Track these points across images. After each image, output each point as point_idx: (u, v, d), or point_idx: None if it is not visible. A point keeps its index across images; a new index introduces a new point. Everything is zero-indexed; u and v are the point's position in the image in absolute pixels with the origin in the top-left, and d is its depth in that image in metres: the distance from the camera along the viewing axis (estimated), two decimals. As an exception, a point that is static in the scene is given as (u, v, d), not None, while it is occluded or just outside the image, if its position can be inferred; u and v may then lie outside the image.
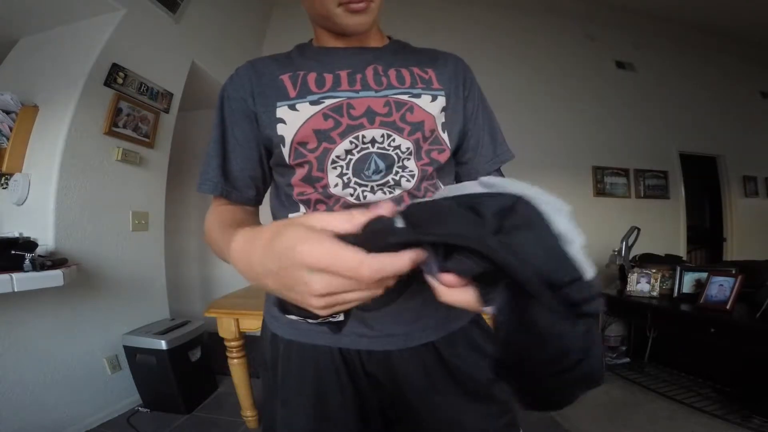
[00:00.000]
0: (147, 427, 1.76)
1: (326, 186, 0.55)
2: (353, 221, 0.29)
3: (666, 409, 1.91)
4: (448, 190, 0.27)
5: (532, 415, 1.89)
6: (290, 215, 0.59)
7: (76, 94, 1.75)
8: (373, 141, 0.54)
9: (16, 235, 1.56)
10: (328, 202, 0.56)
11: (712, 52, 4.23)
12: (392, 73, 0.57)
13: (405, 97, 0.56)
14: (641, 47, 4.01)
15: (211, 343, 2.07)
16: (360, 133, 0.53)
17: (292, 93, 0.55)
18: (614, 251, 2.74)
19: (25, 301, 1.52)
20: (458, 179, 0.68)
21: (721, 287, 1.94)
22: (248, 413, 1.76)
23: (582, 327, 0.26)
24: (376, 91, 0.55)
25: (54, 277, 1.42)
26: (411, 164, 0.56)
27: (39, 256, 1.47)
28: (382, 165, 0.54)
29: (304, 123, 0.54)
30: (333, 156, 0.54)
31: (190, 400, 1.93)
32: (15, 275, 1.33)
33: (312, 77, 0.56)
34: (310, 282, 0.28)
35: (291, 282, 0.29)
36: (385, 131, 0.54)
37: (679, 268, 2.27)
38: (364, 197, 0.55)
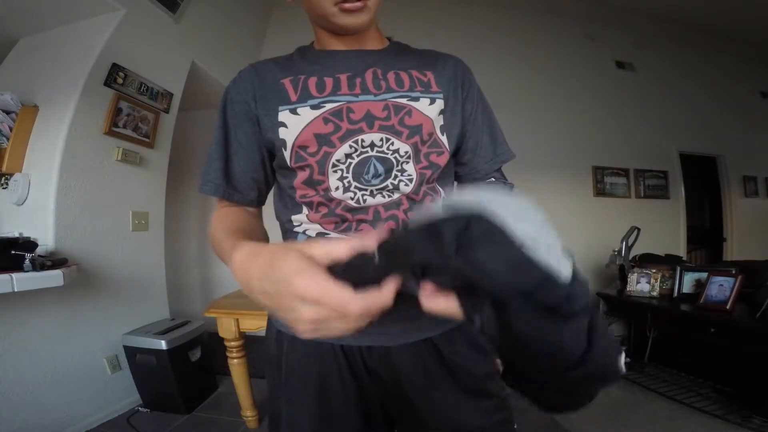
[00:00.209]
0: (147, 427, 1.76)
1: (327, 189, 0.56)
2: (351, 247, 0.31)
3: (666, 409, 1.91)
4: (416, 218, 0.29)
5: (532, 414, 1.89)
6: (293, 217, 0.61)
7: (76, 94, 1.75)
8: (372, 145, 0.55)
9: (16, 235, 1.56)
10: (329, 204, 0.57)
11: (712, 52, 4.23)
12: (391, 76, 0.58)
13: (404, 101, 0.56)
14: (641, 47, 4.01)
15: (211, 343, 2.07)
16: (359, 137, 0.54)
17: (294, 97, 0.56)
18: (614, 251, 2.74)
19: (25, 301, 1.52)
20: (459, 180, 0.69)
21: (721, 287, 1.94)
22: (248, 413, 1.76)
23: (572, 325, 0.26)
24: (375, 95, 0.56)
25: (54, 277, 1.42)
26: (410, 168, 0.57)
27: (39, 256, 1.47)
28: (381, 169, 0.55)
29: (305, 127, 0.55)
30: (333, 160, 0.55)
31: (190, 400, 1.93)
32: (15, 275, 1.33)
33: (313, 81, 0.57)
34: (300, 311, 0.30)
35: (283, 306, 0.32)
36: (384, 135, 0.55)
37: (679, 268, 2.27)
38: (364, 201, 0.56)
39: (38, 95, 1.84)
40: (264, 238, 0.59)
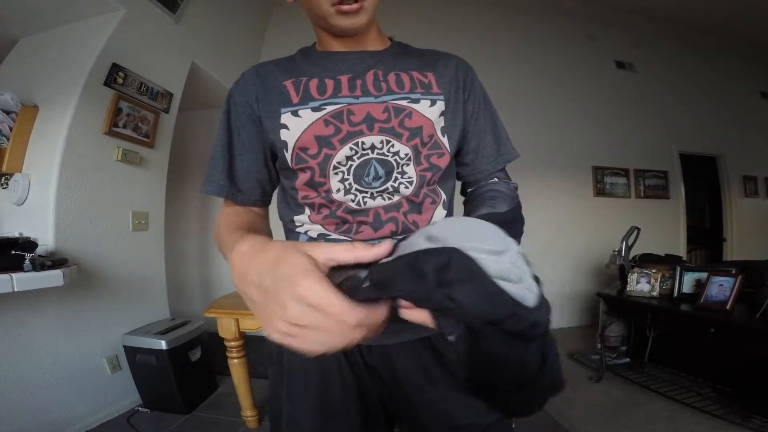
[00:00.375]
0: (147, 427, 1.76)
1: (329, 191, 0.56)
2: (355, 253, 0.32)
3: (666, 409, 1.91)
4: (402, 248, 0.32)
5: (532, 415, 1.89)
6: (295, 217, 0.61)
7: (76, 94, 1.75)
8: (372, 147, 0.55)
9: (16, 235, 1.56)
10: (331, 206, 0.57)
11: (712, 52, 4.24)
12: (392, 78, 0.58)
13: (404, 103, 0.56)
14: (641, 47, 4.01)
15: (211, 343, 2.07)
16: (360, 140, 0.55)
17: (295, 99, 0.56)
18: (614, 251, 2.74)
19: (25, 301, 1.52)
20: (462, 180, 0.69)
21: (721, 287, 1.94)
22: (248, 413, 1.76)
23: (534, 345, 0.29)
24: (376, 97, 0.56)
25: (54, 277, 1.42)
26: (410, 170, 0.57)
27: (39, 256, 1.47)
28: (381, 171, 0.56)
29: (306, 129, 0.55)
30: (334, 162, 0.55)
31: (190, 400, 1.92)
32: (15, 275, 1.32)
33: (314, 83, 0.57)
34: (290, 309, 0.30)
35: (273, 302, 0.32)
36: (384, 137, 0.55)
37: (679, 268, 2.27)
38: (365, 203, 0.56)
39: (38, 95, 1.84)
40: (268, 237, 0.58)
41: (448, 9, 3.63)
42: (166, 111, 2.24)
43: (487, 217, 0.45)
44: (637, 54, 4.01)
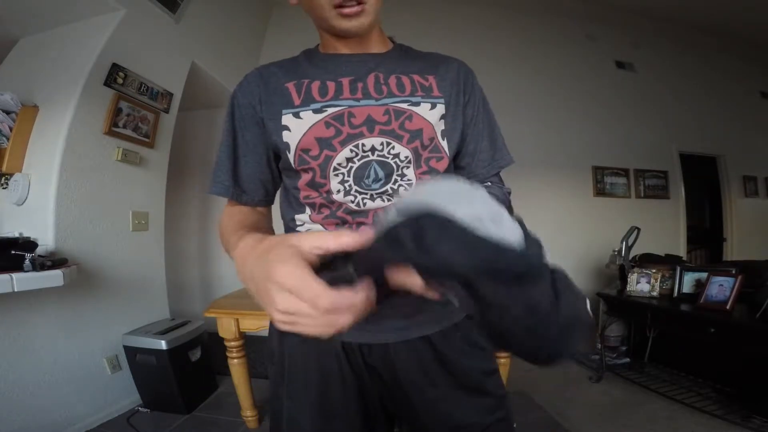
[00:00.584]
0: (147, 427, 1.76)
1: (329, 192, 0.57)
2: (340, 241, 0.32)
3: (666, 409, 1.91)
4: (377, 227, 0.32)
5: (532, 415, 1.89)
6: (296, 216, 0.62)
7: (76, 94, 1.75)
8: (372, 149, 0.56)
9: (16, 235, 1.56)
10: (331, 207, 0.58)
11: (712, 52, 4.23)
12: (393, 80, 0.59)
13: (404, 105, 0.57)
14: (641, 47, 4.01)
15: (211, 343, 2.07)
16: (360, 142, 0.55)
17: (297, 101, 0.57)
18: (614, 251, 2.74)
19: (25, 301, 1.52)
20: None
21: (721, 287, 1.94)
22: (248, 413, 1.76)
23: (536, 284, 0.29)
24: (377, 100, 0.57)
25: (54, 277, 1.42)
26: (410, 173, 0.58)
27: (39, 256, 1.47)
28: (381, 173, 0.56)
29: (307, 131, 0.56)
30: (335, 163, 0.56)
31: (190, 400, 1.92)
32: (15, 275, 1.33)
33: (316, 85, 0.58)
34: (275, 297, 0.31)
35: (263, 292, 0.33)
36: (384, 139, 0.56)
37: (679, 268, 2.27)
38: (364, 204, 0.57)
39: (38, 95, 1.84)
40: (271, 233, 0.60)
41: (448, 9, 3.63)
42: (166, 111, 2.24)
43: None
44: (637, 54, 4.01)
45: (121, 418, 1.81)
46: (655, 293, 2.27)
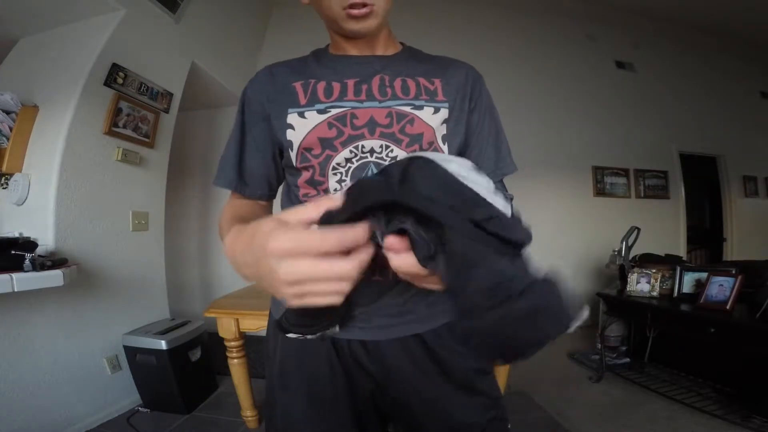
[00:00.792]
0: (147, 427, 1.76)
1: (327, 190, 0.58)
2: (320, 207, 0.33)
3: (666, 409, 1.91)
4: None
5: (532, 415, 1.89)
6: None
7: (76, 94, 1.75)
8: (371, 151, 0.56)
9: (16, 235, 1.56)
10: None
11: (712, 52, 4.23)
12: (398, 83, 0.59)
13: (407, 109, 0.57)
14: (641, 47, 4.01)
15: (211, 343, 2.07)
16: (360, 143, 0.56)
17: (303, 100, 0.58)
18: (614, 251, 2.74)
19: (25, 301, 1.52)
20: None
21: (721, 287, 1.94)
22: (248, 413, 1.76)
23: (511, 256, 0.30)
24: (380, 102, 0.57)
25: (54, 277, 1.42)
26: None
27: (39, 256, 1.47)
28: None
29: (311, 131, 0.57)
30: (334, 163, 0.57)
31: (190, 400, 1.92)
32: (15, 275, 1.32)
33: (321, 86, 0.59)
34: (278, 270, 0.31)
35: (263, 272, 0.33)
36: (384, 142, 0.56)
37: (679, 268, 2.27)
38: None
39: (38, 95, 1.84)
40: None
41: (448, 9, 3.63)
42: (166, 111, 2.24)
43: None
44: (637, 54, 4.01)
45: (121, 418, 1.81)
46: (655, 293, 2.27)
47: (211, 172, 3.19)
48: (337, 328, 0.45)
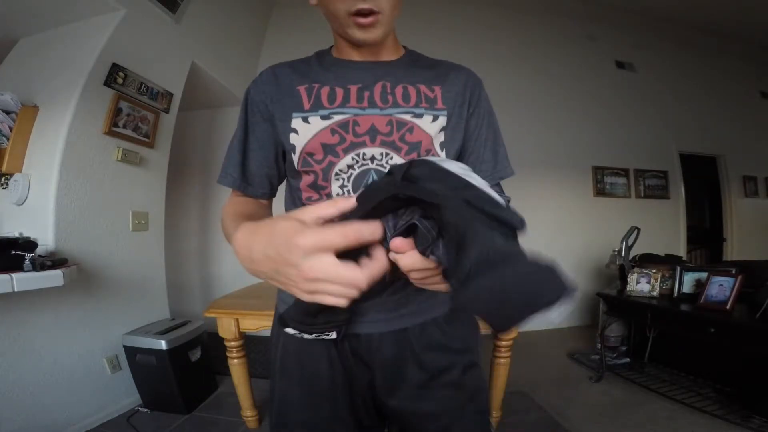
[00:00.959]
0: (147, 427, 1.76)
1: (329, 194, 0.60)
2: (337, 206, 0.37)
3: (666, 409, 1.91)
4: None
5: (532, 415, 1.89)
6: None
7: (76, 94, 1.75)
8: (372, 158, 0.58)
9: (16, 235, 1.56)
10: None
11: (712, 52, 4.23)
12: (399, 90, 0.60)
13: (407, 117, 0.59)
14: (641, 47, 4.01)
15: (211, 343, 2.07)
16: (361, 150, 0.58)
17: (306, 105, 0.59)
18: (614, 251, 2.74)
19: (25, 301, 1.52)
20: None
21: (721, 287, 1.94)
22: (248, 413, 1.76)
23: (504, 234, 0.33)
24: (382, 109, 0.59)
25: (54, 277, 1.42)
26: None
27: (39, 256, 1.47)
28: None
29: (314, 136, 0.58)
30: (337, 169, 0.59)
31: (190, 400, 1.92)
32: (15, 275, 1.32)
33: (325, 91, 0.60)
34: (301, 265, 0.34)
35: (284, 267, 0.35)
36: (384, 150, 0.58)
37: (679, 268, 2.27)
38: None
39: (38, 95, 1.84)
40: None
41: (448, 9, 3.63)
42: (166, 111, 2.24)
43: None
44: (637, 54, 4.01)
45: (121, 418, 1.81)
46: (655, 293, 2.27)
47: (211, 172, 3.21)
48: (334, 334, 0.48)
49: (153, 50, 2.13)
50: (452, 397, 0.62)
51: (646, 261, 2.62)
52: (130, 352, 1.85)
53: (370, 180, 0.58)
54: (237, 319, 1.63)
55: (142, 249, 2.11)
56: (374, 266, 0.36)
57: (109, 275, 1.89)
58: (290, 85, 0.61)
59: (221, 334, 1.65)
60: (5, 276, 1.30)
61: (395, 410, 0.63)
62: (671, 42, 4.07)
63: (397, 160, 0.58)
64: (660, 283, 2.29)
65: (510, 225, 0.33)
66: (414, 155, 0.59)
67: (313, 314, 0.46)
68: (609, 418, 1.86)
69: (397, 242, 0.36)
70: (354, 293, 0.35)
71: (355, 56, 0.63)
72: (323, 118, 0.58)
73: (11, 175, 1.73)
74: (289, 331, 0.47)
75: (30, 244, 1.45)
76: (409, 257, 0.36)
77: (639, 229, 2.65)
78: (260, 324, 1.61)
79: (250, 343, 1.76)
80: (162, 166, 2.27)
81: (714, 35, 4.03)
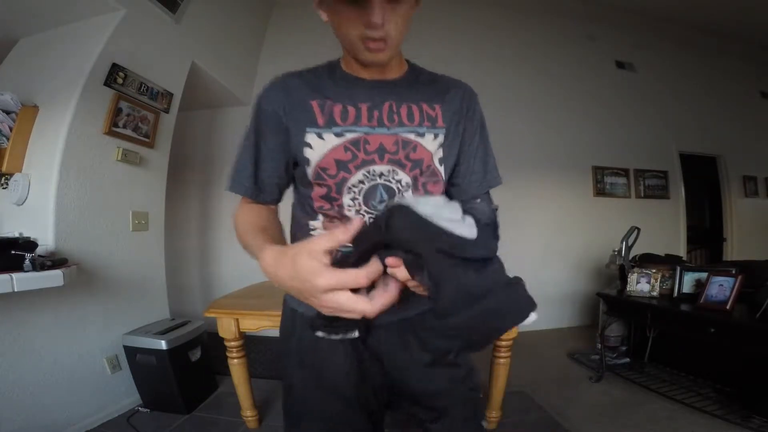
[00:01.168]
0: (147, 427, 1.76)
1: (341, 206, 0.64)
2: (338, 240, 0.43)
3: (666, 409, 1.91)
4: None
5: (532, 415, 1.89)
6: (310, 222, 0.69)
7: (76, 94, 1.75)
8: (381, 174, 0.64)
9: (16, 235, 1.56)
10: (342, 220, 0.65)
11: (712, 52, 4.23)
12: (404, 110, 0.65)
13: (411, 136, 0.64)
14: (641, 47, 4.01)
15: (211, 343, 2.07)
16: (371, 168, 0.63)
17: (320, 121, 0.63)
18: (614, 251, 2.74)
19: (25, 301, 1.52)
20: (450, 197, 0.75)
21: (721, 287, 1.94)
22: (248, 413, 1.76)
23: (477, 269, 0.39)
24: (389, 128, 0.64)
25: (54, 277, 1.42)
26: (408, 195, 0.66)
27: (39, 256, 1.46)
28: (386, 196, 0.65)
29: (328, 152, 0.62)
30: (349, 184, 0.63)
31: (190, 400, 1.92)
32: (15, 275, 1.32)
33: (338, 109, 0.63)
34: (322, 299, 0.43)
35: (308, 296, 0.44)
36: (391, 167, 0.64)
37: (679, 268, 2.27)
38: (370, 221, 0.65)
39: (38, 95, 1.84)
40: (281, 232, 0.68)
41: (448, 9, 3.62)
42: (166, 111, 2.24)
43: None
44: (637, 54, 4.01)
45: (121, 418, 1.81)
46: (655, 293, 2.27)
47: (212, 172, 3.20)
48: (356, 333, 0.55)
49: (153, 50, 2.13)
50: (452, 378, 0.70)
51: (646, 261, 2.62)
52: (130, 352, 1.85)
53: (378, 194, 0.64)
54: (237, 319, 1.63)
55: (142, 249, 2.11)
56: (385, 297, 0.44)
57: (109, 275, 1.89)
58: (302, 99, 0.63)
59: (221, 334, 1.65)
60: (5, 276, 1.30)
61: (405, 392, 0.70)
62: (671, 42, 4.07)
63: (402, 176, 0.64)
64: (660, 283, 2.29)
65: (482, 258, 0.40)
66: (417, 171, 0.65)
67: (337, 322, 0.52)
68: (609, 418, 1.86)
69: (391, 260, 0.43)
70: (366, 316, 0.44)
71: (363, 74, 0.66)
72: (337, 135, 0.62)
73: (11, 175, 1.73)
74: (319, 334, 0.53)
75: (30, 244, 1.45)
76: (402, 271, 0.43)
77: (639, 229, 2.65)
78: (260, 324, 1.61)
79: (250, 343, 1.76)
80: (162, 166, 2.27)
81: (714, 35, 4.03)
